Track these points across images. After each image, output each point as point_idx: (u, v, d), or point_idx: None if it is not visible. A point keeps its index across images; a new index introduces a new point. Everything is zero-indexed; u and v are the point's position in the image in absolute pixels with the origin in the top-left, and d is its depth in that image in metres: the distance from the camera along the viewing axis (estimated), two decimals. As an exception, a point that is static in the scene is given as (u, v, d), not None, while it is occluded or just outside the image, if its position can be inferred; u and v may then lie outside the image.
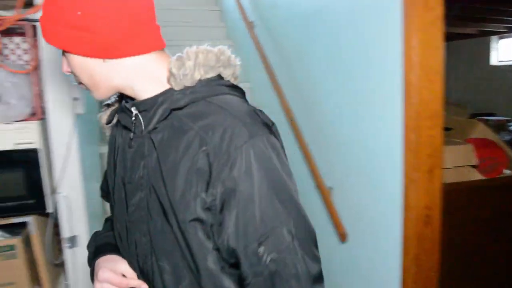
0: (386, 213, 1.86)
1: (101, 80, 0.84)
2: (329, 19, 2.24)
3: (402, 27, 1.65)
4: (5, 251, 1.99)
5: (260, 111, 0.83)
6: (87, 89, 0.88)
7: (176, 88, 0.82)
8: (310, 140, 2.49)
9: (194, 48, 0.84)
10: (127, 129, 0.91)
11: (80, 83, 0.88)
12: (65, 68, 0.87)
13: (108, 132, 1.02)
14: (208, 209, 0.77)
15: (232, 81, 0.88)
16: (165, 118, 0.82)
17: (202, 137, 0.76)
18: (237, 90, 0.88)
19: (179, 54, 0.84)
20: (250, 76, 3.58)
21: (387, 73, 1.78)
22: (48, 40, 0.81)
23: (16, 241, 2.01)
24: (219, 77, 0.86)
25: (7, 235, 2.07)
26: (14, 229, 2.10)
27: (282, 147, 0.84)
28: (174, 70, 0.81)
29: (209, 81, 0.83)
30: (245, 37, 3.46)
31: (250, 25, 3.33)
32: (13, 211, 2.03)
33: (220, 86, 0.84)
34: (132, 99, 0.89)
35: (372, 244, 1.97)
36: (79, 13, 0.76)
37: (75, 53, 0.81)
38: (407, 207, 1.71)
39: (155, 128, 0.83)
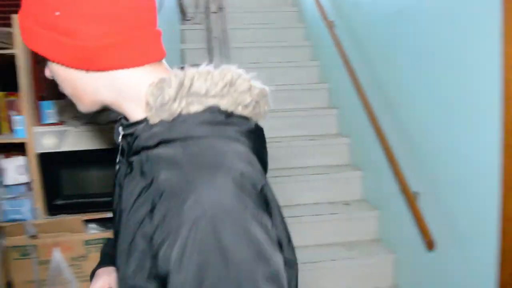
0: (480, 222, 1.74)
1: (85, 93, 0.70)
2: (417, 18, 2.15)
3: (501, 22, 1.54)
4: (99, 243, 2.13)
5: (241, 174, 0.59)
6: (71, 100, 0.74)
7: (151, 120, 0.65)
8: (394, 142, 2.40)
9: (184, 69, 0.67)
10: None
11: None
12: (48, 73, 0.73)
13: None
14: (156, 277, 0.58)
15: (240, 111, 0.66)
16: (137, 153, 0.66)
17: (158, 194, 0.58)
18: (231, 131, 0.65)
19: (162, 76, 0.66)
20: (330, 77, 3.53)
21: (483, 73, 1.67)
22: (25, 41, 0.68)
23: (109, 234, 2.14)
24: (216, 110, 0.65)
25: (101, 229, 2.22)
26: (107, 223, 2.24)
27: (270, 217, 0.61)
28: (150, 99, 0.64)
29: (191, 116, 0.64)
30: (324, 37, 3.42)
31: (330, 25, 3.28)
32: (106, 206, 2.16)
33: (204, 126, 0.63)
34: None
35: (464, 255, 1.86)
36: (57, 13, 0.62)
37: (53, 61, 0.67)
38: (505, 217, 1.58)
39: (131, 160, 0.68)
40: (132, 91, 0.68)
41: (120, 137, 0.73)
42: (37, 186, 2.09)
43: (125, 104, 0.69)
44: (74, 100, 0.72)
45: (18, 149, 2.12)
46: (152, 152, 0.64)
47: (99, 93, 0.69)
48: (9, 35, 1.96)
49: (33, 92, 2.12)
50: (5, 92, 2.14)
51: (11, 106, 2.13)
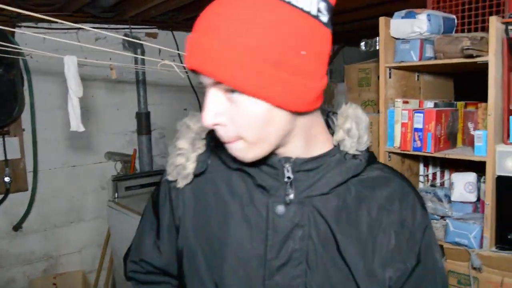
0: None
1: (280, 137, 0.69)
2: None
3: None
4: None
5: None
6: (241, 146, 0.68)
7: (351, 151, 0.73)
8: None
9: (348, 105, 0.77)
10: (264, 190, 0.75)
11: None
12: (219, 119, 0.67)
13: (182, 184, 0.81)
14: None
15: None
16: (341, 184, 0.73)
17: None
18: None
19: (335, 110, 0.79)
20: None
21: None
22: (245, 83, 0.61)
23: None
24: None
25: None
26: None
27: None
28: (354, 131, 0.74)
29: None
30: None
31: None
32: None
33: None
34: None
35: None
36: (303, 53, 0.62)
37: (282, 106, 0.64)
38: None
39: (324, 194, 0.73)
40: (321, 125, 0.76)
41: (290, 174, 0.72)
42: (490, 212, 1.69)
43: (312, 140, 0.74)
44: (257, 145, 0.68)
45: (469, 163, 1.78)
46: (357, 178, 0.75)
47: (292, 134, 0.71)
48: (482, 40, 1.67)
49: (503, 105, 1.71)
50: (464, 102, 1.97)
51: (469, 118, 1.93)
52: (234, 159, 0.72)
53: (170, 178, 0.81)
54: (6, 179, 2.97)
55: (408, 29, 1.79)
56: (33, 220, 3.10)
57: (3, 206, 3.00)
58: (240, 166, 0.74)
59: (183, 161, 0.80)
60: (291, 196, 0.72)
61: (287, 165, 0.72)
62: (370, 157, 0.76)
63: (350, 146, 0.72)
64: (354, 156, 0.73)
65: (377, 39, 1.91)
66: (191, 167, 0.80)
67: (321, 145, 0.74)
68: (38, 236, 3.13)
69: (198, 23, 0.64)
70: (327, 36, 0.65)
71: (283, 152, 0.73)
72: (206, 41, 0.61)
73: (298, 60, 0.61)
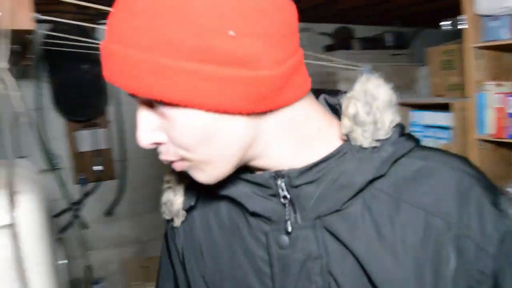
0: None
1: (241, 149, 0.51)
2: None
3: None
4: None
5: None
6: (191, 169, 0.53)
7: (365, 143, 0.51)
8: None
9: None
10: (262, 217, 0.57)
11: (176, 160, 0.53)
12: (155, 137, 0.51)
13: (178, 222, 0.67)
14: None
15: None
16: (360, 191, 0.52)
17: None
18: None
19: (341, 90, 0.57)
20: None
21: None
22: (145, 89, 0.45)
23: None
24: None
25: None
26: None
27: None
28: (363, 116, 0.51)
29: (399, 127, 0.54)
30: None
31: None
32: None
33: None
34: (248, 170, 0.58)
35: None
36: (231, 33, 0.44)
37: (214, 110, 0.46)
38: None
39: (343, 208, 0.53)
40: (318, 119, 0.55)
41: (285, 193, 0.54)
42: None
43: (306, 142, 0.54)
44: (209, 166, 0.51)
45: None
46: (382, 181, 0.52)
47: (264, 141, 0.52)
48: None
49: None
50: None
51: None
52: (218, 185, 0.55)
53: (165, 217, 0.68)
54: (98, 168, 3.21)
55: (496, 4, 1.68)
56: (123, 206, 3.33)
57: (96, 193, 3.25)
58: (226, 192, 0.57)
59: (171, 196, 0.65)
60: (294, 219, 0.54)
61: (279, 181, 0.54)
62: (405, 143, 0.53)
63: (363, 137, 0.51)
64: (374, 148, 0.51)
65: (461, 17, 1.80)
66: (178, 202, 0.64)
67: (323, 145, 0.54)
68: (128, 222, 3.36)
69: (106, 28, 0.50)
70: (274, 2, 0.47)
71: (270, 164, 0.55)
72: (109, 46, 0.47)
73: (226, 44, 0.43)
